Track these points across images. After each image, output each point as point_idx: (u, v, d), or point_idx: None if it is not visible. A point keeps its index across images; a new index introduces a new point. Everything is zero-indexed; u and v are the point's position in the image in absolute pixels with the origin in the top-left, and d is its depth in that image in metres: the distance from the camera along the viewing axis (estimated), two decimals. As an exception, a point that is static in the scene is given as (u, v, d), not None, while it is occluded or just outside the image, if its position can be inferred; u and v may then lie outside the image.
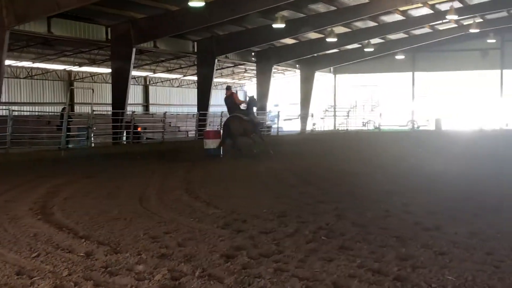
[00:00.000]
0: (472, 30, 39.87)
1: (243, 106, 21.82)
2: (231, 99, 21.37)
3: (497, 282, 5.19)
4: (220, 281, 5.35)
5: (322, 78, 54.86)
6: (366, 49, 43.20)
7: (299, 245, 6.71)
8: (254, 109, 22.21)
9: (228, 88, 22.12)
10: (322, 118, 54.34)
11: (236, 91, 45.71)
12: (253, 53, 41.34)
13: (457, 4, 34.58)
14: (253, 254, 6.32)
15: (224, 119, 24.64)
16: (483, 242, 6.79)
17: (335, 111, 55.10)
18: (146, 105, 48.08)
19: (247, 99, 23.21)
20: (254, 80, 46.03)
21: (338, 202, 9.94)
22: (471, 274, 5.42)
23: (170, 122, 40.29)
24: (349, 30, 38.83)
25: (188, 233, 7.47)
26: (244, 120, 20.73)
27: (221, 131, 21.53)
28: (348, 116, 55.25)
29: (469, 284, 5.15)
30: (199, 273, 5.58)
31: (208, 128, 32.31)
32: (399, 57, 49.14)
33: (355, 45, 44.67)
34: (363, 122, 57.00)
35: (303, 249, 6.52)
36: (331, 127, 53.56)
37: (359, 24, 38.28)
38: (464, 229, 7.54)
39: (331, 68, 53.67)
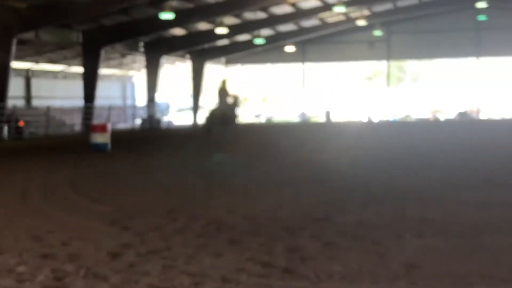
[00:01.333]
0: (359, 22, 41.09)
1: (231, 100, 24.65)
2: (224, 91, 24.42)
3: (382, 270, 5.37)
4: (106, 280, 5.26)
5: (214, 70, 54.98)
6: (256, 40, 43.64)
7: (188, 241, 6.69)
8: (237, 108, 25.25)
9: (224, 82, 25.08)
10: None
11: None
12: (141, 44, 40.83)
13: (345, -4, 35.54)
14: (141, 251, 6.24)
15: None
16: (370, 231, 7.01)
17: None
18: (28, 98, 46.43)
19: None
20: (144, 71, 45.49)
21: (228, 196, 9.99)
22: (357, 264, 5.58)
23: (54, 116, 39.16)
24: (240, 21, 39.08)
25: (73, 231, 7.29)
26: (228, 112, 23.96)
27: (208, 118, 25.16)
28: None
29: (355, 273, 5.30)
30: (83, 273, 5.46)
31: (94, 122, 31.64)
32: (289, 48, 49.96)
33: (246, 36, 45.04)
34: (255, 114, 57.66)
35: (192, 244, 6.51)
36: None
37: (250, 15, 38.60)
38: (352, 219, 7.76)
39: (223, 59, 53.87)
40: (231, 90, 25.55)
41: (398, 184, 11.12)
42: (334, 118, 49.49)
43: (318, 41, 50.37)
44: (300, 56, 52.83)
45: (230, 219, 7.92)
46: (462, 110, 50.63)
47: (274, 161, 16.28)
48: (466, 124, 38.76)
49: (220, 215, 8.21)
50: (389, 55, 51.11)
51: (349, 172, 13.43)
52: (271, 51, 50.77)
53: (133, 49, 40.91)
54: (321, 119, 51.13)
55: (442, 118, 50.06)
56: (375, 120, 48.79)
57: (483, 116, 50.82)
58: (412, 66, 56.60)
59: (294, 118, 53.47)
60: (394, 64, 54.19)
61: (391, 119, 50.08)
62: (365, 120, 48.58)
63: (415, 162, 15.09)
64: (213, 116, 24.55)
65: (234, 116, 24.63)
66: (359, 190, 10.51)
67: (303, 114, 52.93)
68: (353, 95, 54.57)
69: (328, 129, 35.43)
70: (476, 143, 21.62)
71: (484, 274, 5.22)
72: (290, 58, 52.70)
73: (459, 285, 4.97)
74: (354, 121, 46.90)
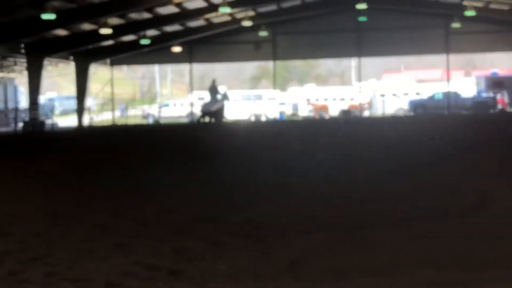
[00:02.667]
0: (244, 23, 41.41)
1: (220, 97, 31.02)
2: (214, 89, 30.86)
3: (266, 268, 5.44)
4: (-16, 290, 5.05)
5: (99, 71, 53.93)
6: (142, 41, 43.16)
7: (72, 246, 6.53)
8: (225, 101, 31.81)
9: (214, 81, 32.00)
10: (100, 112, 53.47)
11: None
12: (22, 45, 39.46)
13: (230, -3, 35.73)
14: (22, 258, 6.03)
15: None
16: (256, 229, 7.08)
17: (113, 104, 54.33)
18: None
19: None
20: (26, 73, 43.97)
21: (116, 200, 9.83)
22: (242, 262, 5.63)
23: None
24: (125, 21, 38.51)
25: None
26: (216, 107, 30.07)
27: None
28: (127, 109, 54.91)
29: (239, 272, 5.34)
30: (-41, 284, 5.22)
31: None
32: (176, 49, 49.64)
33: (132, 37, 44.45)
34: (143, 115, 57.10)
35: (76, 249, 6.35)
36: (110, 121, 52.84)
37: (135, 16, 38.11)
38: (240, 218, 7.82)
39: (108, 60, 52.87)
40: (220, 88, 32.08)
41: (286, 183, 11.29)
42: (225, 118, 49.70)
43: (205, 41, 50.34)
44: (187, 56, 52.57)
45: (116, 223, 7.79)
46: (346, 108, 52.20)
47: (168, 163, 16.14)
48: (348, 121, 39.88)
49: (106, 219, 8.05)
50: (275, 56, 51.82)
51: (236, 171, 13.51)
52: (158, 51, 50.27)
53: (14, 51, 39.48)
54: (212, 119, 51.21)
55: (326, 116, 51.37)
56: (264, 118, 49.42)
57: (366, 113, 52.57)
58: (298, 66, 57.73)
59: (183, 119, 53.31)
60: (281, 64, 54.98)
61: (278, 117, 50.91)
62: (253, 119, 49.12)
63: (300, 161, 15.36)
64: (205, 110, 30.56)
65: (222, 111, 30.97)
66: (247, 188, 10.61)
67: (191, 115, 52.73)
68: (242, 96, 55.06)
69: (217, 129, 35.51)
70: (356, 140, 22.27)
71: (365, 267, 5.39)
72: (177, 58, 52.36)
73: (341, 278, 5.11)
74: (242, 120, 47.29)
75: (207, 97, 32.81)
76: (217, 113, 30.70)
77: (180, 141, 25.72)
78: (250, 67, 72.38)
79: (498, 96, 47.88)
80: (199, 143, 23.40)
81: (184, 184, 11.43)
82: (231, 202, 9.19)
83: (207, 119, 31.10)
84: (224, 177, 12.55)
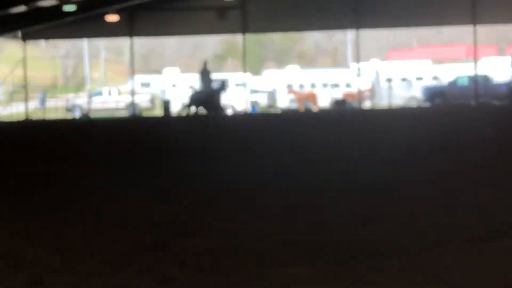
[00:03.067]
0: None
1: (215, 84, 32.32)
2: (207, 74, 31.78)
3: None
4: None
5: (7, 48, 53.60)
6: (65, 7, 42.91)
7: None
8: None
9: (205, 64, 32.73)
10: (8, 103, 53.16)
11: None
12: None
13: None
14: None
15: None
16: (217, 260, 7.01)
17: (26, 93, 53.89)
18: None
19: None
20: None
21: (28, 220, 9.72)
22: None
23: None
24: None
25: None
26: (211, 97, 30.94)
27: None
28: (45, 99, 54.60)
29: None
30: None
31: None
32: (112, 17, 49.41)
33: (51, 1, 44.14)
34: (67, 107, 56.72)
35: None
36: (22, 115, 52.51)
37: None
38: (196, 244, 7.75)
39: (19, 33, 52.43)
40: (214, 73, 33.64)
41: (257, 197, 11.29)
42: (176, 110, 49.58)
43: (151, 7, 50.18)
44: (127, 28, 52.34)
45: (28, 252, 7.66)
46: (339, 97, 52.31)
47: (106, 169, 16.09)
48: (343, 115, 39.95)
49: (13, 247, 7.93)
50: (245, 27, 51.83)
51: (193, 181, 13.49)
52: (88, 21, 50.02)
53: None
54: (159, 111, 51.13)
55: (314, 108, 51.48)
56: (229, 112, 49.43)
57: (367, 104, 52.77)
58: (276, 42, 57.87)
59: (122, 111, 53.15)
60: (253, 38, 55.07)
61: (249, 110, 50.91)
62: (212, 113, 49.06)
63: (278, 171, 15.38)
64: (195, 100, 31.45)
65: (218, 102, 31.45)
66: (208, 205, 10.56)
67: (132, 106, 52.48)
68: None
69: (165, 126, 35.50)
70: (352, 144, 22.35)
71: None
72: (113, 31, 52.15)
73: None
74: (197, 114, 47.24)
75: (197, 84, 35.57)
76: (210, 103, 31.21)
77: (121, 140, 25.61)
78: (211, 43, 72.45)
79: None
80: (147, 142, 23.35)
81: (124, 198, 11.33)
82: (185, 223, 9.11)
83: (193, 109, 32.19)
84: (176, 188, 12.50)
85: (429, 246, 7.31)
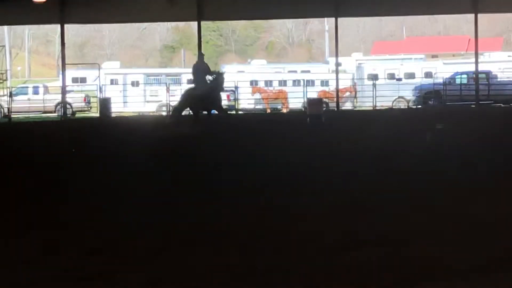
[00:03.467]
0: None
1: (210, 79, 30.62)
2: (202, 67, 30.63)
3: None
4: None
5: None
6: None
7: None
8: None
9: (201, 57, 32.26)
10: None
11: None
12: None
13: None
14: None
15: None
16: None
17: None
18: None
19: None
20: None
21: None
22: None
23: None
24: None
25: None
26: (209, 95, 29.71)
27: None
28: None
29: None
30: None
31: None
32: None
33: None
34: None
35: None
36: None
37: None
38: (142, 275, 7.84)
39: None
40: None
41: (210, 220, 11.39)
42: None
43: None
44: (57, 13, 52.01)
45: None
46: (314, 98, 52.32)
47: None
48: (318, 119, 39.57)
49: None
50: (201, 13, 51.80)
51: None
52: (9, 4, 49.77)
53: None
54: (95, 113, 50.97)
55: (283, 110, 51.57)
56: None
57: (347, 105, 52.90)
58: (239, 31, 57.94)
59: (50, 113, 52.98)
60: (210, 27, 55.16)
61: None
62: (163, 113, 49.21)
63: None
64: (190, 101, 30.17)
65: (218, 100, 30.59)
66: (157, 227, 10.67)
67: (63, 106, 52.25)
68: (145, 76, 55.03)
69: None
70: (331, 159, 22.40)
71: None
72: (40, 16, 51.85)
73: None
74: (143, 115, 47.39)
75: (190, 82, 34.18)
76: (208, 101, 30.42)
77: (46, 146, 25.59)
78: (160, 31, 72.63)
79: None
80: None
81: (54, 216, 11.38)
82: (129, 250, 9.17)
83: (185, 112, 31.54)
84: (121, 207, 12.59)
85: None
